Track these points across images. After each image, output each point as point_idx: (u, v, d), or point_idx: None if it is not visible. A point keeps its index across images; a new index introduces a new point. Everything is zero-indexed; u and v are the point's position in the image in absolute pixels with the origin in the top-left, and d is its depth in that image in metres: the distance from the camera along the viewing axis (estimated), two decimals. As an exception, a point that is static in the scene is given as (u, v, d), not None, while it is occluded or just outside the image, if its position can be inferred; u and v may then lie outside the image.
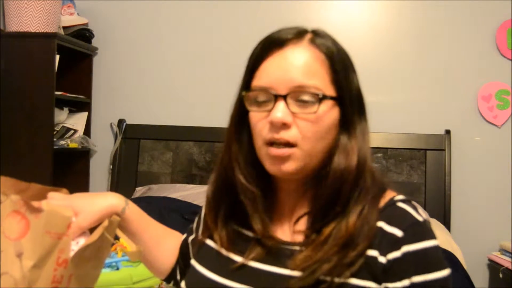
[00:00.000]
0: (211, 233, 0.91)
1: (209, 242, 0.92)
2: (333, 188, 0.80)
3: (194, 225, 1.03)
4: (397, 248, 0.77)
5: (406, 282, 0.76)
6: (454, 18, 2.83)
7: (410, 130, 2.80)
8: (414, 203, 0.83)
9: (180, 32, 3.04)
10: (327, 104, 0.80)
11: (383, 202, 0.82)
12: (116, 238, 0.85)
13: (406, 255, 0.76)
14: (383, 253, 0.77)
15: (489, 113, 2.80)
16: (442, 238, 2.20)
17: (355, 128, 0.82)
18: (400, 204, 0.81)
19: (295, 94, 0.79)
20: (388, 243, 0.77)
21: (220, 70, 2.98)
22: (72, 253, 0.75)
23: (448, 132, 2.78)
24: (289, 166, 0.80)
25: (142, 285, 1.45)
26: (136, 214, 0.94)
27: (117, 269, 1.50)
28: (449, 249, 2.14)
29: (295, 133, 0.79)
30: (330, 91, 0.81)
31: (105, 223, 0.80)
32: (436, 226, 2.46)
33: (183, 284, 0.91)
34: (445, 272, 0.78)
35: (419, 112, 2.85)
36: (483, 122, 2.81)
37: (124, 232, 0.91)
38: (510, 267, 2.48)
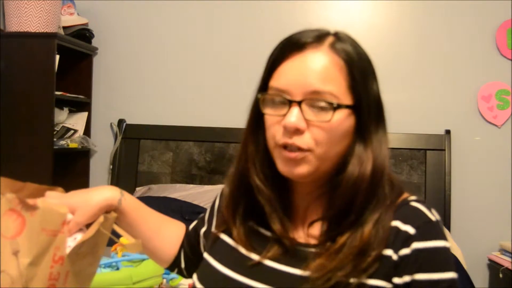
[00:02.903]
0: (226, 227, 0.92)
1: (224, 237, 0.92)
2: (346, 196, 0.80)
3: (206, 216, 1.03)
4: (408, 245, 0.77)
5: (407, 278, 0.77)
6: (454, 18, 2.83)
7: (410, 130, 2.80)
8: (428, 204, 0.83)
9: (180, 32, 3.04)
10: (342, 113, 0.79)
11: (397, 202, 0.82)
12: (117, 236, 0.85)
13: (414, 251, 0.77)
14: (396, 251, 0.78)
15: (489, 113, 2.80)
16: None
17: (371, 137, 0.81)
18: (414, 203, 0.82)
19: (310, 101, 0.78)
20: (401, 240, 0.78)
21: (220, 70, 2.98)
22: (69, 249, 0.75)
23: (448, 132, 2.78)
24: (302, 169, 0.80)
25: (142, 285, 1.45)
26: (132, 205, 0.94)
27: (117, 269, 1.50)
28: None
29: (308, 139, 0.78)
30: (347, 98, 0.79)
31: (101, 219, 0.80)
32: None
33: (195, 277, 0.91)
34: (451, 275, 0.78)
35: (419, 112, 2.85)
36: (483, 122, 2.81)
37: (122, 223, 0.92)
38: (510, 267, 2.48)
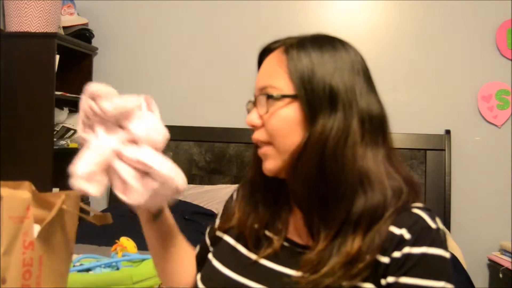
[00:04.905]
0: (229, 227, 0.94)
1: (226, 237, 0.94)
2: (299, 180, 0.82)
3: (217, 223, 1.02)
4: (400, 248, 0.76)
5: (390, 279, 0.75)
6: (454, 18, 2.83)
7: (410, 130, 2.80)
8: (433, 213, 0.81)
9: (180, 32, 3.05)
10: (283, 102, 0.82)
11: (398, 208, 0.80)
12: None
13: (405, 255, 0.75)
14: (389, 254, 0.76)
15: (489, 113, 2.80)
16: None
17: (317, 124, 0.80)
18: (416, 210, 0.80)
19: (259, 98, 0.84)
20: (395, 244, 0.76)
21: (220, 70, 2.98)
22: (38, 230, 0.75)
23: (448, 132, 2.78)
24: (268, 164, 0.84)
25: (142, 285, 1.45)
26: (170, 220, 0.96)
27: (117, 269, 1.50)
28: (449, 249, 2.14)
29: (263, 132, 0.84)
30: (290, 89, 0.82)
31: (62, 196, 0.80)
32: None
33: (198, 277, 0.92)
34: (441, 285, 0.75)
35: (419, 112, 2.85)
36: (483, 122, 2.81)
37: (156, 233, 0.94)
38: (510, 267, 2.48)
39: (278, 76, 0.83)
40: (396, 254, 0.76)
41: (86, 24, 3.00)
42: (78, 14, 2.99)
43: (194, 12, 3.03)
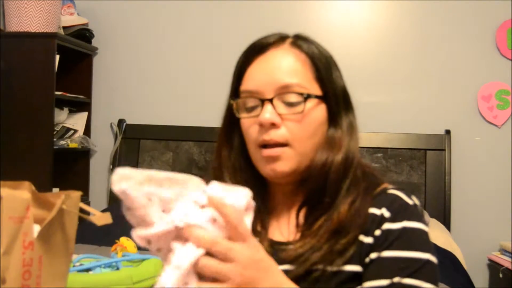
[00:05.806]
0: None
1: None
2: (317, 181, 0.82)
3: None
4: (380, 226, 0.79)
5: (373, 255, 0.78)
6: (454, 18, 2.83)
7: (410, 130, 2.80)
8: (407, 191, 0.85)
9: (180, 32, 3.05)
10: (312, 103, 0.82)
11: (376, 192, 0.84)
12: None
13: (385, 231, 0.78)
14: (372, 234, 0.79)
15: (489, 113, 2.80)
16: (442, 238, 2.20)
17: (341, 123, 0.85)
18: (391, 191, 0.84)
19: (281, 96, 0.81)
20: (376, 223, 0.80)
21: (220, 70, 2.98)
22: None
23: (448, 132, 2.78)
24: (282, 166, 0.82)
25: (142, 285, 1.45)
26: None
27: (117, 269, 1.50)
28: (449, 249, 2.14)
29: (284, 132, 0.81)
30: (315, 89, 0.83)
31: (62, 197, 0.80)
32: (436, 226, 2.47)
33: None
34: (422, 255, 0.77)
35: (419, 112, 2.85)
36: (483, 122, 2.81)
37: None
38: (510, 267, 2.48)
39: (302, 75, 0.83)
40: (377, 232, 0.79)
41: (86, 24, 3.00)
42: (78, 14, 2.99)
43: (194, 12, 3.03)
